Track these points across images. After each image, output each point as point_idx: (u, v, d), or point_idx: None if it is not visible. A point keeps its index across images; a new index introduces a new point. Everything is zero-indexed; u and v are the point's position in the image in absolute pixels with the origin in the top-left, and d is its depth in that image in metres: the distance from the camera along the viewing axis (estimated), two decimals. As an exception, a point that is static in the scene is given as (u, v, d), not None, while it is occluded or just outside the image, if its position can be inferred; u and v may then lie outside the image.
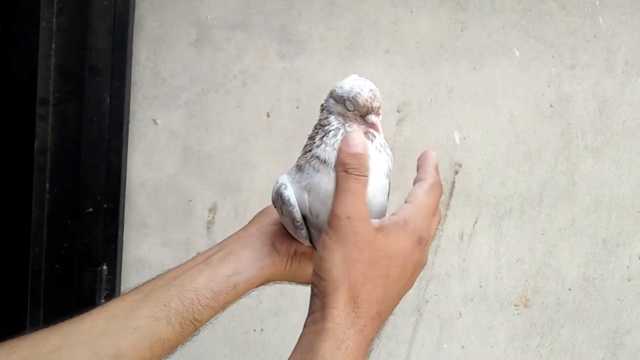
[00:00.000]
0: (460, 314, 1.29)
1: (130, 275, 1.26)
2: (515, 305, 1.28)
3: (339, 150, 0.54)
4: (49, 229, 1.25)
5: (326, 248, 0.50)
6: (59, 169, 1.23)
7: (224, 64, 1.22)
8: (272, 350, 1.29)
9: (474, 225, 1.26)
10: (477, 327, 1.30)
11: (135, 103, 1.22)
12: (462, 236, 1.26)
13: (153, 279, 0.65)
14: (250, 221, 0.70)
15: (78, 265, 1.25)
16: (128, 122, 1.23)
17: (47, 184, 1.24)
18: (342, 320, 0.48)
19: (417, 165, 0.61)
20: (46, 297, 1.24)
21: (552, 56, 1.23)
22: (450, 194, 1.25)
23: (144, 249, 1.27)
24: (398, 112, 1.23)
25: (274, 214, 0.67)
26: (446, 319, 1.30)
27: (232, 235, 0.69)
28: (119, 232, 1.26)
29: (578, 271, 1.27)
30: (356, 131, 0.57)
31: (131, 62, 1.21)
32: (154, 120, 1.23)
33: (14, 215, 1.23)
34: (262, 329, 1.31)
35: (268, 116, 1.23)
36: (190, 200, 1.25)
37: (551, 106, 1.24)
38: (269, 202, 1.27)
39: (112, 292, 1.25)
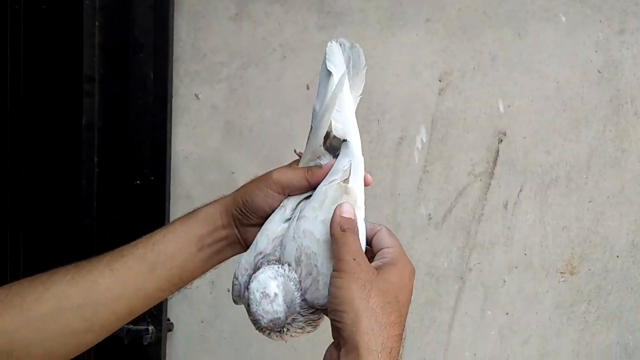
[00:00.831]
0: (505, 282, 1.29)
1: (179, 246, 1.29)
2: (561, 273, 1.27)
3: (335, 216, 0.64)
4: (99, 202, 1.27)
5: (342, 287, 0.57)
6: (107, 144, 1.25)
7: (263, 38, 1.21)
8: None
9: (518, 194, 1.24)
10: (522, 295, 1.29)
11: (178, 79, 1.22)
12: (507, 205, 1.24)
13: (153, 245, 0.71)
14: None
15: (128, 236, 1.28)
16: (171, 97, 1.24)
17: (96, 159, 1.27)
18: (372, 346, 0.54)
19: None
20: (100, 268, 1.28)
21: (600, 21, 1.17)
22: (494, 163, 1.22)
23: (190, 220, 1.29)
24: (440, 81, 1.20)
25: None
26: (490, 286, 1.29)
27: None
28: (166, 204, 1.29)
29: (627, 238, 1.24)
30: (347, 203, 0.65)
31: (173, 39, 1.21)
32: (196, 95, 1.24)
33: (66, 190, 1.27)
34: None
35: (308, 89, 1.22)
36: (233, 173, 1.26)
37: (599, 72, 1.19)
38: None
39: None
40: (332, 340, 0.59)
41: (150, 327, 1.29)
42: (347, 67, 0.72)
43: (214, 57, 1.21)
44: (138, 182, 1.27)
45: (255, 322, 0.62)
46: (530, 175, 1.23)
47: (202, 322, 1.32)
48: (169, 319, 1.33)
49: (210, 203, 0.75)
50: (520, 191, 1.23)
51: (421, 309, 1.29)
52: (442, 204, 1.24)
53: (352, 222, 0.63)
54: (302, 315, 0.63)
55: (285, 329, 0.62)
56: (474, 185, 1.23)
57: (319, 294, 0.62)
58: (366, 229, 0.67)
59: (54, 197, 1.28)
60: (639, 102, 1.19)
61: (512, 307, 1.30)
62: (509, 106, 1.19)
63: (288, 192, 0.70)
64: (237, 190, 0.74)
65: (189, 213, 0.75)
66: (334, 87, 0.71)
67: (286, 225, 0.67)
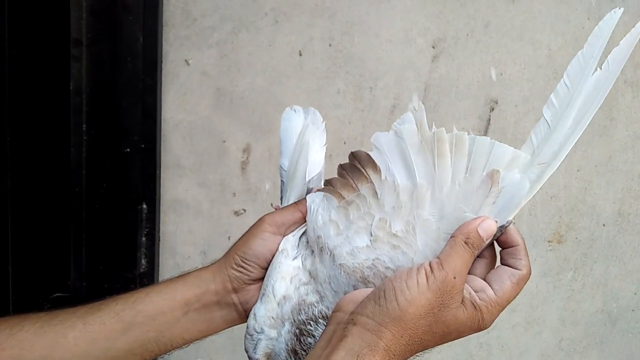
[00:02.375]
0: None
1: (169, 215, 1.25)
2: (549, 242, 1.25)
3: (470, 222, 0.55)
4: (88, 170, 1.22)
5: (421, 284, 0.52)
6: (95, 110, 1.20)
7: (254, 2, 1.16)
8: None
9: (508, 162, 1.22)
10: (510, 263, 1.27)
11: (167, 44, 1.17)
12: (496, 173, 1.22)
13: (133, 303, 0.65)
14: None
15: (118, 205, 1.24)
16: (161, 62, 1.19)
17: (84, 126, 1.21)
18: (390, 349, 0.51)
19: (505, 242, 0.61)
20: (88, 236, 1.23)
21: (594, -13, 1.15)
22: (486, 132, 1.20)
23: (180, 189, 1.25)
24: (433, 47, 1.17)
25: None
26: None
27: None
28: (157, 172, 1.24)
29: (613, 207, 1.23)
30: (491, 220, 0.57)
31: (162, 2, 1.16)
32: (186, 61, 1.19)
33: (53, 157, 1.22)
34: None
35: (300, 55, 1.18)
36: (224, 142, 1.22)
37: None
38: (302, 142, 1.25)
39: (153, 230, 1.24)
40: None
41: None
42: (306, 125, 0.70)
43: (204, 22, 1.16)
44: (128, 149, 1.22)
45: None
46: (521, 144, 1.18)
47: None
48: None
49: (201, 267, 0.67)
50: (510, 160, 1.21)
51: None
52: (433, 173, 1.21)
53: (481, 243, 0.56)
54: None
55: None
56: (464, 153, 1.20)
57: None
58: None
59: (41, 165, 1.23)
60: (629, 70, 1.17)
61: (499, 275, 1.28)
62: (501, 74, 1.16)
63: (284, 230, 0.65)
64: (227, 252, 0.67)
65: (179, 275, 0.67)
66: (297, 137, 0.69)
67: (298, 263, 0.61)
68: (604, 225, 1.23)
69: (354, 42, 1.16)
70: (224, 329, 0.66)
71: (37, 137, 1.21)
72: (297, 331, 0.58)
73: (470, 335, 1.27)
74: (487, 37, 1.15)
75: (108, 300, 0.65)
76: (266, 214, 0.66)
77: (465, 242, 0.54)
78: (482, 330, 0.56)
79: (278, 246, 0.64)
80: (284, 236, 0.65)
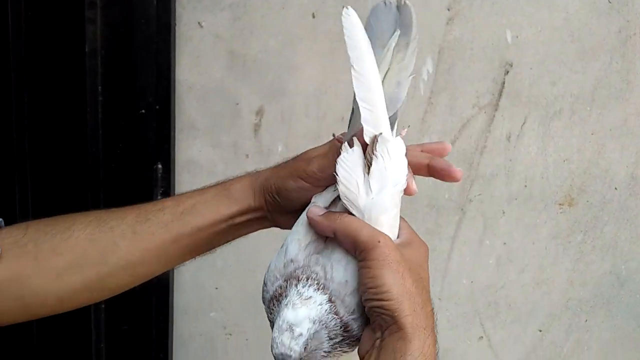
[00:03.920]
0: (504, 213, 1.25)
1: (183, 176, 1.23)
2: (560, 204, 1.23)
3: (313, 222, 0.57)
4: (104, 130, 1.20)
5: (375, 276, 0.52)
6: (110, 72, 1.17)
7: (267, -38, 1.12)
8: None
9: (522, 126, 1.18)
10: (520, 225, 1.25)
11: (180, 6, 1.13)
12: (510, 137, 1.19)
13: (181, 214, 0.65)
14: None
15: (134, 164, 1.23)
16: (175, 24, 1.16)
17: (100, 87, 1.19)
18: (417, 324, 0.51)
19: None
20: (105, 194, 1.23)
21: (615, -53, 1.09)
22: (500, 95, 1.16)
23: (194, 150, 1.23)
24: (448, 10, 1.11)
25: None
26: (489, 217, 1.25)
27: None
28: (171, 134, 1.23)
29: (626, 171, 1.19)
30: (312, 206, 0.59)
31: (174, -38, 1.12)
32: (199, 23, 1.16)
33: (70, 118, 1.20)
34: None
35: (313, 17, 1.13)
36: (237, 104, 1.20)
37: (609, 2, 1.10)
38: (314, 106, 1.22)
39: (168, 189, 1.23)
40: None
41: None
42: (390, 35, 0.58)
43: (217, -17, 1.13)
44: (143, 111, 1.21)
45: (271, 342, 0.54)
46: (534, 107, 1.16)
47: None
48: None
49: (243, 178, 0.66)
50: (523, 123, 1.17)
51: (421, 238, 1.26)
52: (446, 136, 1.17)
53: (330, 214, 0.56)
54: (333, 351, 0.55)
55: None
56: (478, 117, 1.16)
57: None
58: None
59: (59, 125, 1.22)
60: (648, 32, 1.12)
61: (510, 237, 1.26)
62: (516, 37, 1.11)
63: (324, 183, 0.60)
64: (271, 171, 0.65)
65: (222, 184, 0.67)
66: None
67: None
68: (615, 188, 1.20)
69: (368, 3, 1.11)
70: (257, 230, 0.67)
71: (54, 97, 1.19)
72: (284, 283, 0.56)
73: (477, 295, 1.26)
74: (503, -1, 1.11)
75: (154, 208, 0.65)
76: (314, 159, 0.61)
77: (336, 219, 0.55)
78: (427, 250, 0.58)
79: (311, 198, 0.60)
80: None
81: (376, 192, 0.54)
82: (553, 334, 1.31)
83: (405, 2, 0.58)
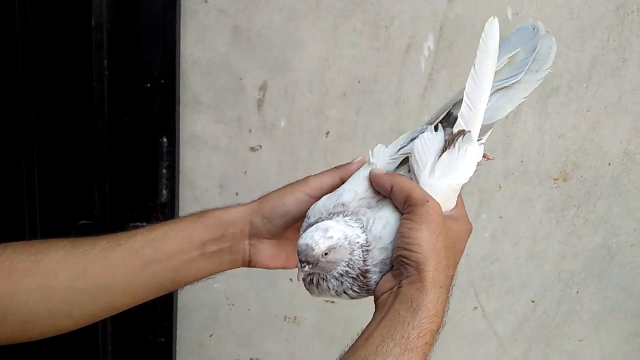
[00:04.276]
0: (500, 187, 1.24)
1: (187, 150, 1.22)
2: (554, 179, 1.23)
3: (379, 178, 0.61)
4: (110, 104, 1.18)
5: (413, 229, 0.55)
6: (116, 46, 1.15)
7: (272, -62, 1.10)
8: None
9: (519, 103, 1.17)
10: (515, 199, 1.25)
11: (186, -20, 1.12)
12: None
13: (152, 241, 0.64)
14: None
15: (139, 138, 1.21)
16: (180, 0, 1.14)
17: (106, 61, 1.17)
18: (436, 281, 0.54)
19: None
20: (111, 168, 1.21)
21: None
22: (499, 72, 1.15)
23: (199, 125, 1.22)
24: (450, -13, 1.11)
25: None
26: (486, 191, 1.25)
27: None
28: (176, 108, 1.22)
29: (620, 147, 1.19)
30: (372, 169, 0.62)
31: (178, -63, 1.10)
32: (204, -3, 1.14)
33: (77, 91, 1.19)
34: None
35: (317, -8, 1.12)
36: (241, 79, 1.18)
37: (608, -20, 1.10)
38: (317, 82, 1.20)
39: (173, 162, 1.22)
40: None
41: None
42: (521, 60, 0.60)
43: (223, -42, 1.11)
44: (148, 85, 1.19)
45: (300, 239, 0.57)
46: (534, 83, 1.16)
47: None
48: (179, 218, 1.29)
49: (222, 208, 0.66)
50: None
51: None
52: (445, 112, 1.18)
53: (391, 173, 0.60)
54: (342, 283, 0.58)
55: (305, 266, 0.56)
56: (477, 93, 1.16)
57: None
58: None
59: (65, 99, 1.20)
60: (645, 11, 1.11)
61: (505, 211, 1.26)
62: (517, 14, 1.10)
63: (320, 194, 0.64)
64: (260, 199, 0.66)
65: (198, 213, 0.66)
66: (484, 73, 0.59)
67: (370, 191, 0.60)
68: (609, 164, 1.20)
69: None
70: (226, 270, 0.66)
71: (61, 71, 1.18)
72: (328, 217, 0.59)
73: (472, 266, 1.27)
74: (505, -25, 1.09)
75: (127, 235, 0.64)
76: (312, 176, 0.65)
77: (396, 177, 0.59)
78: (471, 230, 0.62)
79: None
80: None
81: (437, 177, 0.58)
82: (545, 304, 1.32)
83: (549, 33, 0.60)
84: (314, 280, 0.59)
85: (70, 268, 0.61)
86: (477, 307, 1.33)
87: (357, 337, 0.54)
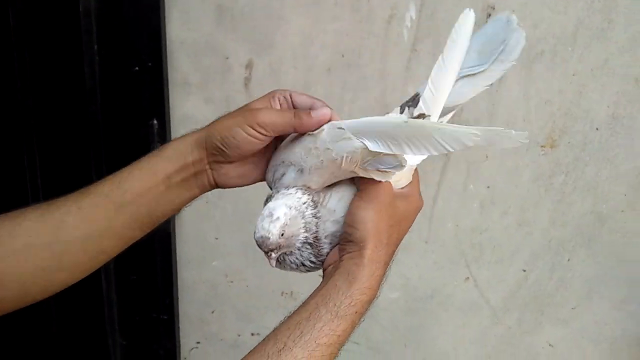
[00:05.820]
0: (487, 157, 1.10)
1: (179, 131, 1.09)
2: (542, 146, 1.07)
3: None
4: (102, 89, 1.08)
5: (360, 207, 0.53)
6: (104, 31, 1.03)
7: None
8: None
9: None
10: (503, 169, 1.10)
11: (167, -39, 1.00)
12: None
13: (119, 183, 0.59)
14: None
15: (131, 121, 1.10)
16: (162, -20, 1.01)
17: (95, 46, 1.06)
18: (374, 257, 0.52)
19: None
20: (106, 150, 1.10)
21: None
22: (481, 39, 1.01)
23: (188, 106, 1.09)
24: (429, -48, 0.96)
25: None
26: (473, 162, 1.10)
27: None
28: (165, 90, 1.09)
29: (607, 111, 1.03)
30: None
31: None
32: (186, -23, 1.01)
33: (69, 77, 1.07)
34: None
35: (297, -34, 0.99)
36: (227, 58, 1.05)
37: (591, -63, 0.95)
38: (302, 58, 1.06)
39: (164, 143, 1.11)
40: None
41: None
42: (489, 50, 0.54)
43: None
44: (137, 68, 1.07)
45: (254, 234, 0.54)
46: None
47: (207, 202, 1.16)
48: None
49: (178, 138, 0.60)
50: (505, 67, 1.02)
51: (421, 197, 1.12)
52: (430, 82, 1.03)
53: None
54: (302, 254, 0.54)
55: (270, 254, 0.53)
56: (460, 61, 1.02)
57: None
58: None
59: (59, 85, 1.08)
60: (630, -32, 0.96)
61: (493, 180, 1.11)
62: (497, -23, 0.96)
63: (272, 134, 0.56)
64: (210, 125, 0.59)
65: (158, 149, 0.61)
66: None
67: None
68: (597, 129, 1.05)
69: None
70: (199, 196, 0.61)
71: (53, 57, 1.06)
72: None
73: (462, 237, 1.11)
74: (484, -62, 0.94)
75: (96, 184, 0.59)
76: (260, 110, 0.57)
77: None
78: (421, 207, 0.57)
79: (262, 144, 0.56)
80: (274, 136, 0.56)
81: None
82: (537, 273, 1.17)
83: (520, 26, 0.55)
84: (279, 258, 0.55)
85: (48, 223, 0.58)
86: (468, 278, 1.19)
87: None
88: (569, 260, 1.15)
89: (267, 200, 0.55)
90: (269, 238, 0.52)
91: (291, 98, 0.59)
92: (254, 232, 0.53)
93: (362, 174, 0.52)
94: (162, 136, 1.10)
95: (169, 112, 1.09)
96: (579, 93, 1.01)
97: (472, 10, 0.53)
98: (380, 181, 0.52)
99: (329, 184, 0.54)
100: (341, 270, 0.52)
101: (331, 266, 0.54)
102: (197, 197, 0.60)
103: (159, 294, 1.22)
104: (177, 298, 1.23)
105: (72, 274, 0.60)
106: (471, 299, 1.20)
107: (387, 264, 0.54)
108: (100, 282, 1.19)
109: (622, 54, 0.98)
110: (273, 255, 0.53)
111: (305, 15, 1.01)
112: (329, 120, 0.55)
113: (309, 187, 0.54)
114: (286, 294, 1.23)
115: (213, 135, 0.57)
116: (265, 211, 0.53)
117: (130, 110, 1.09)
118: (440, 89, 0.53)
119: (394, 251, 0.55)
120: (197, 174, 0.59)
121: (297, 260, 0.54)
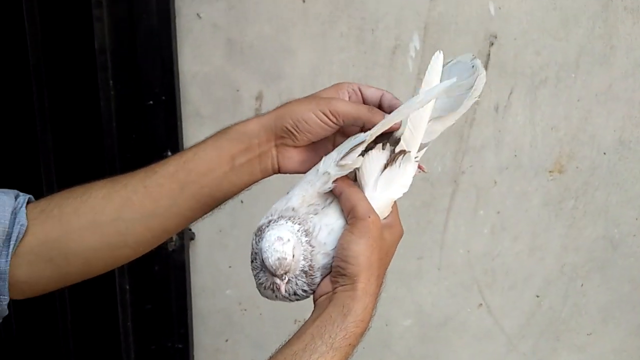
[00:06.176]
0: (496, 182, 1.10)
1: (192, 161, 1.13)
2: (550, 172, 1.08)
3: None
4: (118, 123, 1.11)
5: (352, 242, 0.53)
6: (119, 67, 1.07)
7: (256, -49, 1.01)
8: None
9: (509, 96, 1.03)
10: (512, 194, 1.11)
11: (180, 0, 1.04)
12: (497, 108, 1.05)
13: (184, 163, 0.59)
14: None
15: (146, 153, 1.13)
16: (174, 17, 1.05)
17: (111, 82, 1.10)
18: (367, 290, 0.53)
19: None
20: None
21: None
22: (486, 67, 1.02)
23: (201, 137, 1.09)
24: (430, -15, 0.99)
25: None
26: (482, 187, 1.11)
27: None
28: (178, 122, 1.13)
29: (614, 135, 1.04)
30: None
31: (169, -42, 1.02)
32: (197, 14, 1.04)
33: (86, 112, 1.11)
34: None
35: (303, 1, 1.02)
36: (238, 90, 1.08)
37: (589, -34, 0.97)
38: (310, 88, 1.08)
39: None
40: None
41: (174, 236, 1.15)
42: (456, 95, 0.58)
43: (211, -25, 1.02)
44: (151, 102, 1.10)
45: (263, 261, 0.53)
46: (521, 77, 1.02)
47: (220, 231, 1.18)
48: (190, 229, 1.19)
49: (241, 122, 0.60)
50: (510, 93, 1.03)
51: (417, 211, 1.12)
52: (435, 110, 1.05)
53: (345, 179, 0.56)
54: (297, 282, 0.54)
55: (284, 277, 0.53)
56: (465, 89, 1.03)
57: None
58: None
59: (77, 119, 1.12)
60: (630, -5, 0.97)
61: (502, 206, 1.12)
62: (499, 8, 0.98)
63: (342, 123, 0.57)
64: (278, 109, 0.59)
65: (222, 130, 0.61)
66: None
67: (322, 189, 0.56)
68: (604, 153, 1.05)
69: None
70: (260, 180, 0.61)
71: (71, 93, 1.10)
72: (277, 218, 0.56)
73: (474, 263, 1.12)
74: (484, -30, 0.97)
75: (161, 163, 0.60)
76: (335, 99, 0.58)
77: (347, 186, 0.55)
78: (402, 233, 0.58)
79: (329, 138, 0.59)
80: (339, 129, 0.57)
81: (379, 191, 0.56)
82: (551, 299, 1.16)
83: (481, 69, 0.59)
84: (270, 285, 0.55)
85: (114, 201, 0.59)
86: (482, 304, 1.18)
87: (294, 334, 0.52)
88: (582, 285, 1.14)
89: (256, 235, 0.55)
90: (286, 258, 0.52)
91: (360, 91, 0.59)
92: (264, 259, 0.52)
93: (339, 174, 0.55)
94: (176, 167, 1.12)
95: (182, 143, 1.12)
96: (584, 118, 1.02)
97: (441, 52, 0.58)
98: (369, 217, 0.53)
99: (309, 203, 0.56)
100: (335, 302, 0.52)
101: (323, 297, 0.54)
102: (258, 180, 0.61)
103: (174, 323, 1.23)
104: (192, 327, 1.24)
105: (135, 250, 0.61)
106: (485, 326, 1.19)
107: (377, 295, 0.54)
108: (116, 311, 1.21)
109: (626, 79, 0.99)
110: (287, 278, 0.53)
111: (312, 47, 1.04)
112: (397, 129, 0.57)
113: (293, 210, 0.55)
114: (299, 321, 1.23)
115: (284, 118, 0.57)
116: (271, 236, 0.53)
117: (145, 142, 1.12)
118: (417, 129, 0.57)
119: (382, 282, 0.55)
120: (261, 156, 0.59)
121: (290, 289, 0.54)
